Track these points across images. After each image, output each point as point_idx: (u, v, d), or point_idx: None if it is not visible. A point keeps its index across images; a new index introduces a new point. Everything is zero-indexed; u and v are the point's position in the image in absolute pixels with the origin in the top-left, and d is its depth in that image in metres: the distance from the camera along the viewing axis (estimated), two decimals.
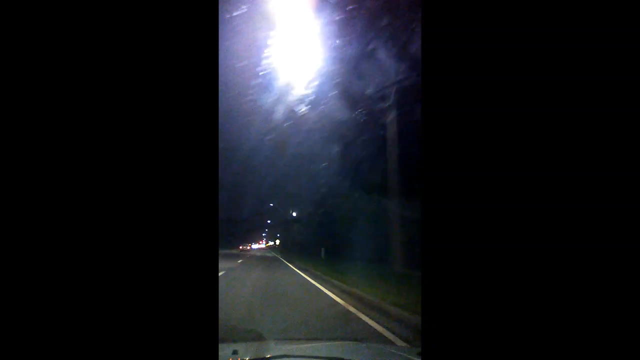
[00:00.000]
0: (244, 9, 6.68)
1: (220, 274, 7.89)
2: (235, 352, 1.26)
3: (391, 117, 8.82)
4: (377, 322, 3.32)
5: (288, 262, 14.21)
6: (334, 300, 4.71)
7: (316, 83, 9.55)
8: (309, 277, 7.81)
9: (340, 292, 5.24)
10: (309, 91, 9.84)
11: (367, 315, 3.63)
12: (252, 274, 8.41)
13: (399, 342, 2.92)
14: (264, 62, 8.31)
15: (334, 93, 9.83)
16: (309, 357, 1.31)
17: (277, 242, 38.00)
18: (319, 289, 5.85)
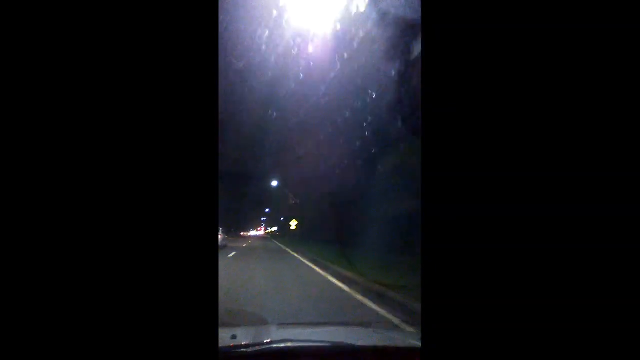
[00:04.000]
0: None
1: None
2: (234, 337, 1.27)
3: None
4: None
5: None
6: None
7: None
8: None
9: None
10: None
11: None
12: None
13: (407, 328, 2.94)
14: None
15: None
16: (310, 341, 1.32)
17: (295, 222, 25.61)
18: None
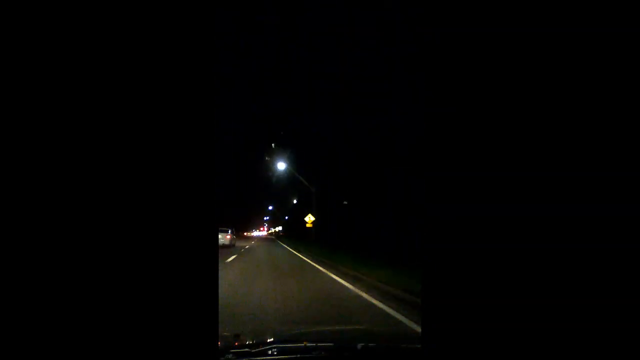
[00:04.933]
0: None
1: None
2: (237, 336, 1.27)
3: None
4: None
5: None
6: None
7: None
8: None
9: None
10: None
11: None
12: None
13: (413, 326, 2.89)
14: None
15: None
16: (312, 341, 1.33)
17: (311, 218, 17.45)
18: None
